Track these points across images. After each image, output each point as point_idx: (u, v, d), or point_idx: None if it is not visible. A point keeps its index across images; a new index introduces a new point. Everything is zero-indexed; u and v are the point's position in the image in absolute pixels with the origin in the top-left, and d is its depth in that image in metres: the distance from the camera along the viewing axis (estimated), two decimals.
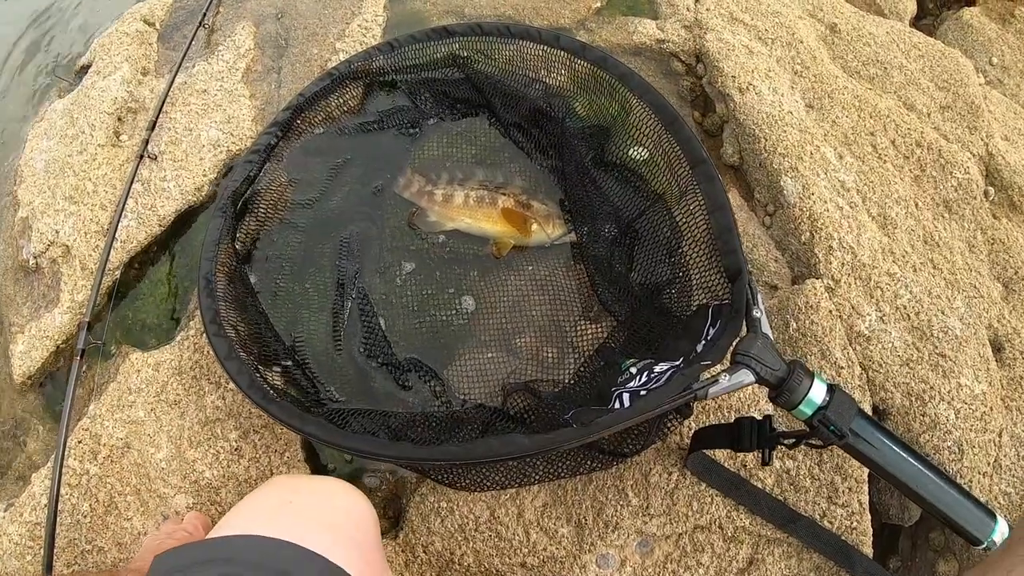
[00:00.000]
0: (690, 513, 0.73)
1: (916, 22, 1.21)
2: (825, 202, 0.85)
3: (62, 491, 0.75)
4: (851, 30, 1.03)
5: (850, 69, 0.99)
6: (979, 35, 1.11)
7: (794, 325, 0.80)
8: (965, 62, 1.02)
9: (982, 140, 0.93)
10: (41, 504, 0.77)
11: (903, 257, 0.83)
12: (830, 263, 0.82)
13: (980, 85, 0.99)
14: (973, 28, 1.12)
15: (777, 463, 0.75)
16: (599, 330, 0.80)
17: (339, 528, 0.54)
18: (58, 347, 0.87)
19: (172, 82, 0.93)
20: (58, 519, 0.71)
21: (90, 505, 0.76)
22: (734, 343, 0.60)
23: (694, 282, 0.73)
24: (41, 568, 0.72)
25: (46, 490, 0.77)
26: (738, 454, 0.76)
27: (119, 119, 0.97)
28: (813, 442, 0.61)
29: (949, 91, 0.98)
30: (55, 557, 0.70)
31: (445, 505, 0.75)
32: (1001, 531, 0.64)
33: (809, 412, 0.59)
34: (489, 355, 0.81)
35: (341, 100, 0.91)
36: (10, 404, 0.90)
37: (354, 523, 0.55)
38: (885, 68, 1.00)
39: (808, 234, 0.85)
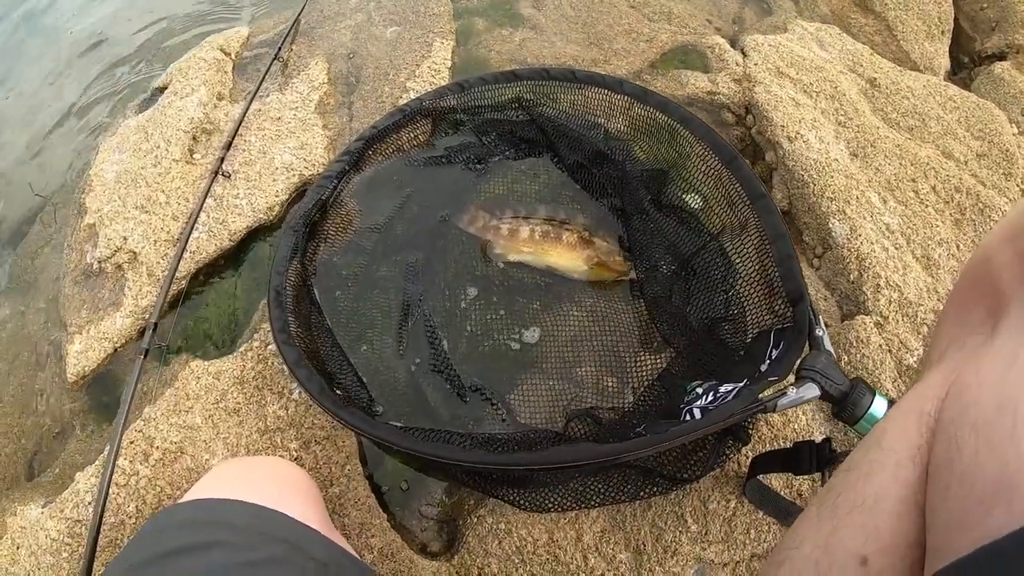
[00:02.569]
0: (747, 541, 0.80)
1: (951, 76, 1.39)
2: (872, 243, 0.98)
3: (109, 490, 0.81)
4: (890, 84, 1.21)
5: (890, 120, 1.16)
6: (1011, 87, 1.28)
7: (845, 359, 0.91)
8: (998, 113, 1.18)
9: (1018, 186, 1.08)
10: (84, 502, 0.84)
11: (947, 295, 0.95)
12: (878, 300, 0.94)
13: (1014, 134, 1.15)
14: (1005, 81, 1.30)
15: None
16: (659, 361, 0.88)
17: (302, 493, 0.68)
18: (116, 349, 0.96)
19: (249, 106, 1.08)
20: (102, 518, 0.77)
21: (136, 506, 0.83)
22: (798, 361, 0.71)
23: (752, 315, 0.83)
24: (78, 565, 0.78)
25: (91, 488, 0.85)
26: (794, 483, 0.84)
27: (194, 138, 1.11)
28: None
29: (984, 140, 1.13)
30: (95, 556, 0.75)
31: (503, 527, 0.82)
32: None
33: (870, 427, 0.68)
34: (550, 383, 0.89)
35: (411, 134, 1.05)
36: (56, 403, 0.98)
37: (305, 487, 0.72)
38: (923, 119, 1.16)
39: (856, 273, 0.97)
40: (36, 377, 1.03)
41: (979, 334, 0.36)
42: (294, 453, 0.86)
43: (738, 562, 0.80)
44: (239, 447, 0.87)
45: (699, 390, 0.78)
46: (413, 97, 1.09)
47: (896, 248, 0.99)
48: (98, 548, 0.77)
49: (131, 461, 0.86)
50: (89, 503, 0.85)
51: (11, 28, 1.53)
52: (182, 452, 0.87)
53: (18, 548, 0.85)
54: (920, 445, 0.34)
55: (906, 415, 0.37)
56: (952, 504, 0.30)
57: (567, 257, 0.97)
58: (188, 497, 0.65)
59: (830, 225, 1.01)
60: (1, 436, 1.00)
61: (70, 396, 0.99)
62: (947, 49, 1.38)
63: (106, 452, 0.86)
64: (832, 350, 0.71)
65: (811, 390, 0.68)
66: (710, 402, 0.74)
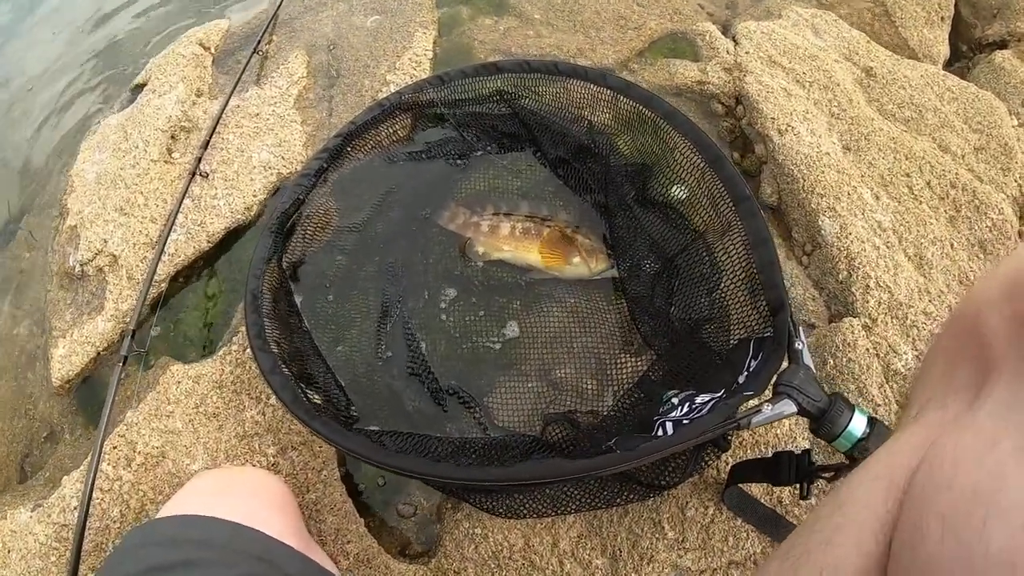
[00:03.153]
0: (725, 548, 0.78)
1: (949, 66, 1.31)
2: (862, 242, 0.92)
3: (93, 495, 0.80)
4: (886, 74, 1.13)
5: (886, 112, 1.09)
6: (1011, 77, 1.20)
7: (831, 363, 0.86)
8: (998, 104, 1.11)
9: (1016, 181, 1.01)
10: (71, 506, 0.83)
11: (939, 297, 0.90)
12: (867, 302, 0.89)
13: (1013, 127, 1.08)
14: (1005, 71, 1.22)
15: (813, 499, 0.79)
16: (639, 363, 0.85)
17: (278, 506, 0.68)
18: (99, 353, 0.94)
19: (227, 103, 1.03)
20: (87, 522, 0.76)
21: (120, 511, 0.82)
22: (776, 374, 0.67)
23: (735, 317, 0.79)
24: (66, 570, 0.77)
25: (77, 492, 0.84)
26: (774, 490, 0.81)
27: (172, 137, 1.07)
28: None
29: (983, 133, 1.07)
30: (81, 560, 0.74)
31: (480, 532, 0.80)
32: None
33: (849, 444, 0.64)
34: (529, 385, 0.86)
35: (391, 129, 1.00)
36: (45, 407, 0.97)
37: (282, 499, 0.71)
38: (920, 111, 1.09)
39: (846, 273, 0.92)
40: (25, 380, 1.01)
41: (961, 398, 0.33)
42: (271, 459, 0.84)
43: (715, 569, 0.78)
44: (218, 452, 0.85)
45: (675, 400, 0.74)
46: (393, 91, 1.03)
47: (887, 247, 0.94)
48: (84, 553, 0.76)
49: (114, 466, 0.84)
50: (75, 508, 0.83)
51: None
52: (164, 457, 0.85)
53: (9, 552, 0.85)
54: (885, 520, 0.32)
55: (874, 481, 0.34)
56: None
57: (547, 255, 0.93)
58: (167, 510, 0.64)
59: (820, 222, 0.96)
60: None
61: (58, 399, 0.97)
62: (947, 36, 1.30)
63: (89, 458, 0.85)
64: (812, 364, 0.67)
65: (788, 407, 0.64)
66: (685, 414, 0.71)
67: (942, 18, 1.29)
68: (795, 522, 0.78)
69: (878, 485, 0.33)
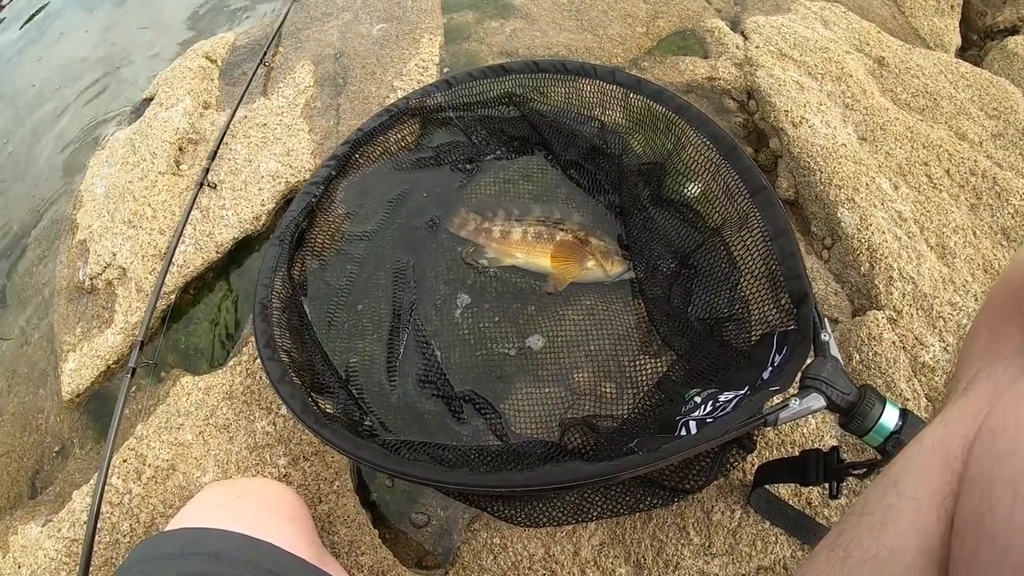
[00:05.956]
0: (753, 553, 0.75)
1: (961, 53, 1.29)
2: (883, 233, 0.90)
3: (103, 509, 0.80)
4: (899, 63, 1.12)
5: (900, 101, 1.07)
6: None
7: (857, 357, 0.84)
8: (1014, 90, 1.09)
9: None
10: (80, 521, 0.82)
11: (964, 286, 0.87)
12: (891, 294, 0.87)
13: None
14: (1019, 56, 1.20)
15: (843, 499, 0.77)
16: (659, 365, 0.83)
17: (290, 517, 0.67)
18: (108, 366, 0.94)
19: (234, 114, 1.03)
20: (96, 537, 0.75)
21: (130, 525, 0.81)
22: (802, 368, 0.64)
23: (757, 312, 0.77)
24: None
25: (86, 507, 0.83)
26: (803, 491, 0.78)
27: (180, 149, 1.07)
28: None
29: (1000, 119, 1.05)
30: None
31: (498, 541, 0.78)
32: None
33: (881, 439, 0.62)
34: (546, 390, 0.84)
35: (399, 135, 0.99)
36: (56, 421, 0.96)
37: (292, 508, 0.70)
38: (935, 99, 1.07)
39: (868, 265, 0.89)
40: (36, 395, 1.01)
41: (1013, 365, 0.31)
42: (283, 470, 0.82)
43: (744, 575, 0.75)
44: (229, 464, 0.83)
45: (697, 399, 0.72)
46: (400, 96, 1.03)
47: (909, 237, 0.91)
48: (93, 568, 0.75)
49: (124, 480, 0.83)
50: (84, 523, 0.82)
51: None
52: (174, 469, 0.84)
53: (20, 567, 0.84)
54: (946, 493, 0.29)
55: (929, 455, 0.32)
56: (978, 571, 0.25)
57: (559, 260, 0.91)
58: (176, 523, 0.64)
59: (839, 214, 0.94)
60: (4, 455, 0.98)
61: (69, 414, 0.97)
62: (957, 25, 1.28)
63: (98, 472, 0.84)
64: (839, 355, 0.65)
65: (816, 401, 0.62)
66: (708, 413, 0.68)
67: (952, 6, 1.28)
68: (825, 523, 0.75)
69: (934, 457, 0.31)
